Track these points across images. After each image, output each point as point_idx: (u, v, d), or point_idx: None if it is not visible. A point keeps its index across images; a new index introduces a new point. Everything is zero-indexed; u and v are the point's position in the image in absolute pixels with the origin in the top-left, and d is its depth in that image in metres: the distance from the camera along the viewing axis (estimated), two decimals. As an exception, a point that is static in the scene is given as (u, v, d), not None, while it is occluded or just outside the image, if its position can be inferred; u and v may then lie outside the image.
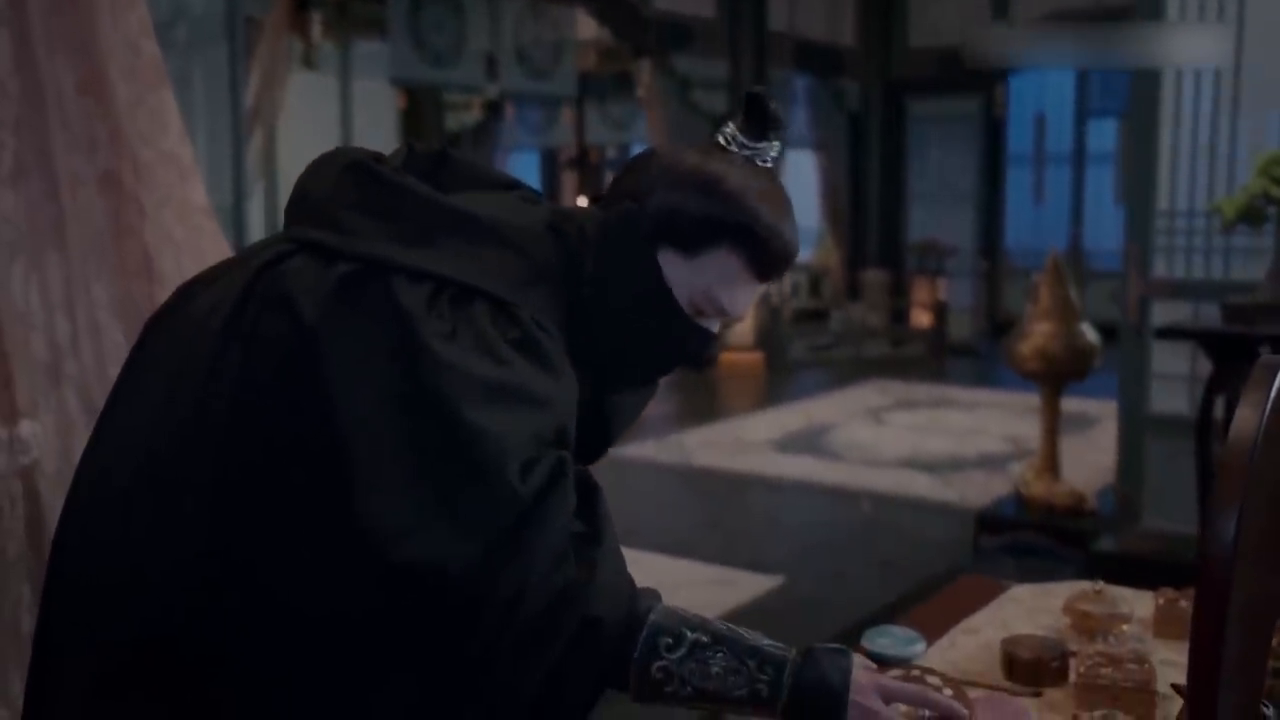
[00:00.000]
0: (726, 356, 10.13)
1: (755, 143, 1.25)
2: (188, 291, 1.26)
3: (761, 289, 1.27)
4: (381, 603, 1.08)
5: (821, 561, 4.68)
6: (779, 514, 5.61)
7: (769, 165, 1.27)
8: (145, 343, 1.26)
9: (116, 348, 2.36)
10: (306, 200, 1.22)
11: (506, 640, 1.08)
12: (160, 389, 1.19)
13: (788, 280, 12.54)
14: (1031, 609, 1.98)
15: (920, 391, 9.20)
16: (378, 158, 1.23)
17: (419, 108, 10.64)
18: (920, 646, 1.79)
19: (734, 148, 1.25)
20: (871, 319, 11.62)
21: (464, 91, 10.01)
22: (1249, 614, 1.05)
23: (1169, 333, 3.67)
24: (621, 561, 1.18)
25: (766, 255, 1.23)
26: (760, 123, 1.25)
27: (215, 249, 2.82)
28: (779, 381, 9.86)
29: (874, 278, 11.81)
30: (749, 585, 4.27)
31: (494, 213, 1.20)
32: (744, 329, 10.15)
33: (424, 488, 1.08)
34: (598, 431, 1.31)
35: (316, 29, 8.02)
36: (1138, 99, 4.17)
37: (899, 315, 11.85)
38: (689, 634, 1.14)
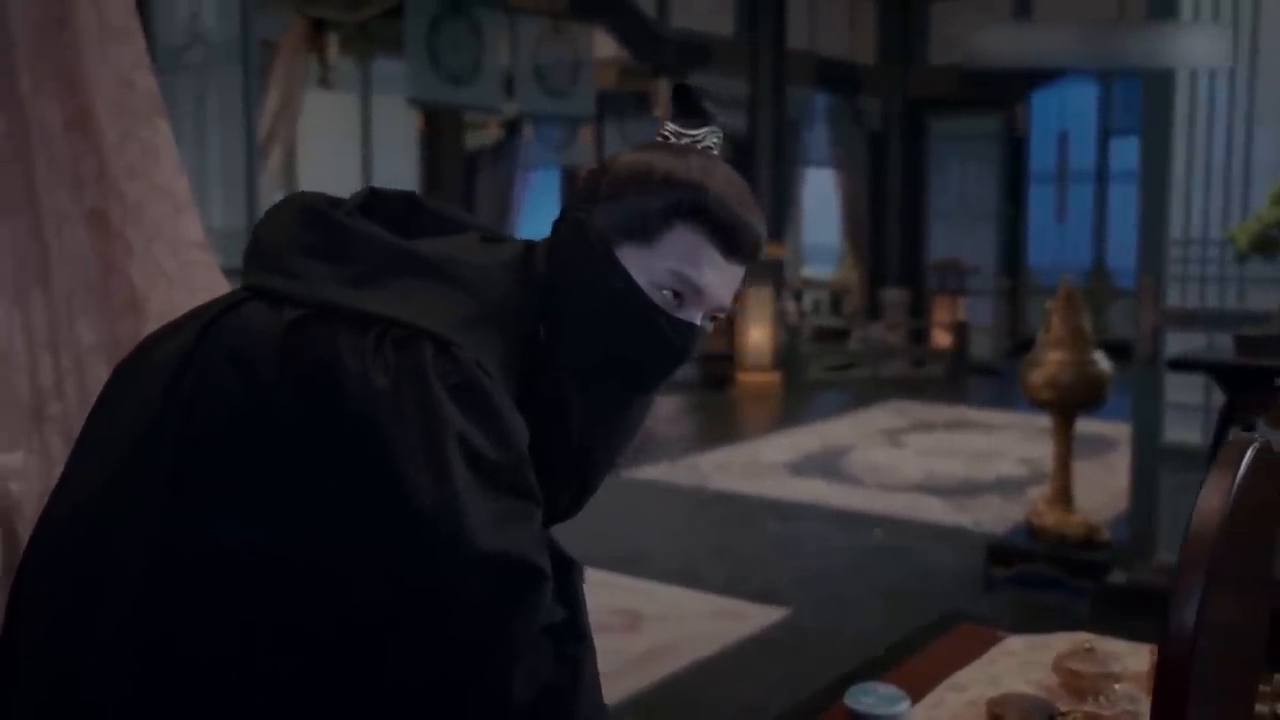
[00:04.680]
0: (744, 376, 10.09)
1: (692, 131, 1.23)
2: (150, 341, 1.24)
3: (738, 270, 1.20)
4: (331, 694, 1.06)
5: (829, 591, 4.62)
6: (790, 540, 5.56)
7: (713, 152, 1.24)
8: (107, 393, 1.24)
9: (101, 388, 2.35)
10: (260, 246, 1.20)
11: None
12: (112, 442, 1.17)
13: (807, 298, 12.51)
14: (1024, 663, 1.93)
15: (938, 413, 9.12)
16: (333, 202, 1.21)
17: (438, 126, 10.67)
18: (905, 705, 1.74)
19: (674, 139, 1.23)
20: (891, 338, 11.55)
21: (481, 111, 10.02)
22: (1219, 704, 1.01)
23: (1181, 364, 3.61)
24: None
25: (723, 225, 1.17)
26: (691, 113, 1.24)
27: (209, 283, 2.80)
28: (796, 402, 9.80)
29: (894, 296, 11.73)
30: (754, 617, 4.21)
31: (446, 252, 1.16)
32: (762, 348, 10.10)
33: (375, 568, 1.04)
34: (577, 474, 1.25)
35: (333, 49, 8.04)
36: (1151, 114, 4.10)
37: (919, 334, 11.78)
38: None
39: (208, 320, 1.16)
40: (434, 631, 1.04)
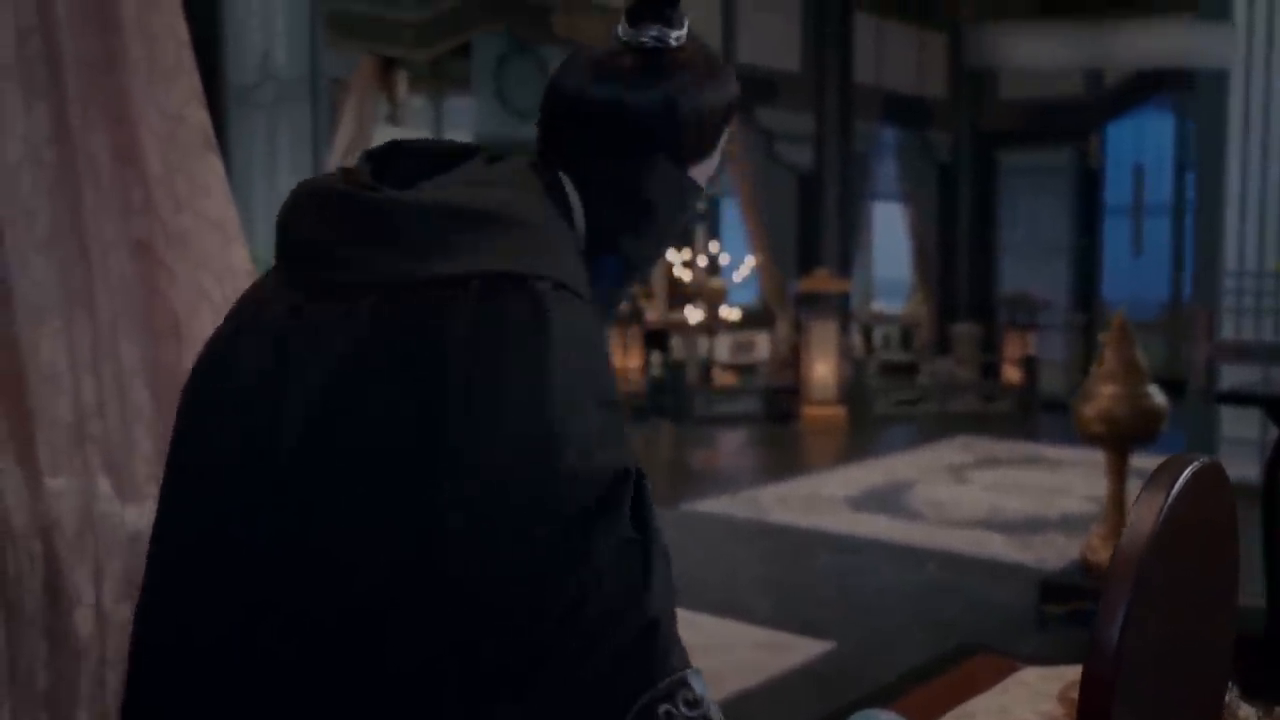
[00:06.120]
0: (809, 410, 10.04)
1: (676, 30, 1.21)
2: (212, 365, 1.22)
3: None
4: (432, 604, 1.06)
5: (877, 625, 4.59)
6: (842, 574, 5.52)
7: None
8: (188, 428, 1.23)
9: (142, 409, 2.43)
10: (297, 245, 1.19)
11: (562, 645, 1.04)
12: (208, 481, 1.18)
13: (877, 333, 12.44)
14: (1036, 693, 1.91)
15: (1006, 448, 9.00)
16: (351, 182, 1.17)
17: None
18: (904, 732, 1.73)
19: (672, 41, 1.21)
20: (961, 373, 11.43)
21: (548, 146, 10.14)
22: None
23: (1231, 397, 3.55)
24: (668, 563, 1.13)
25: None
26: (663, 9, 1.21)
27: (254, 310, 2.88)
28: (862, 436, 9.73)
29: (964, 331, 11.62)
30: (796, 649, 4.19)
31: (489, 197, 1.16)
32: (827, 382, 10.05)
33: (483, 489, 1.05)
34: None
35: (402, 87, 8.21)
36: (1205, 145, 4.06)
37: (990, 369, 11.64)
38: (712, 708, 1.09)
39: (279, 334, 1.14)
40: (529, 542, 1.04)
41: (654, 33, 1.20)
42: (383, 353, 1.08)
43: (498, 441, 1.05)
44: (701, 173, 1.26)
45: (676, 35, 1.21)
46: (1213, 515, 1.03)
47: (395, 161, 1.22)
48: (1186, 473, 0.96)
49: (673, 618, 1.10)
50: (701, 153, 1.25)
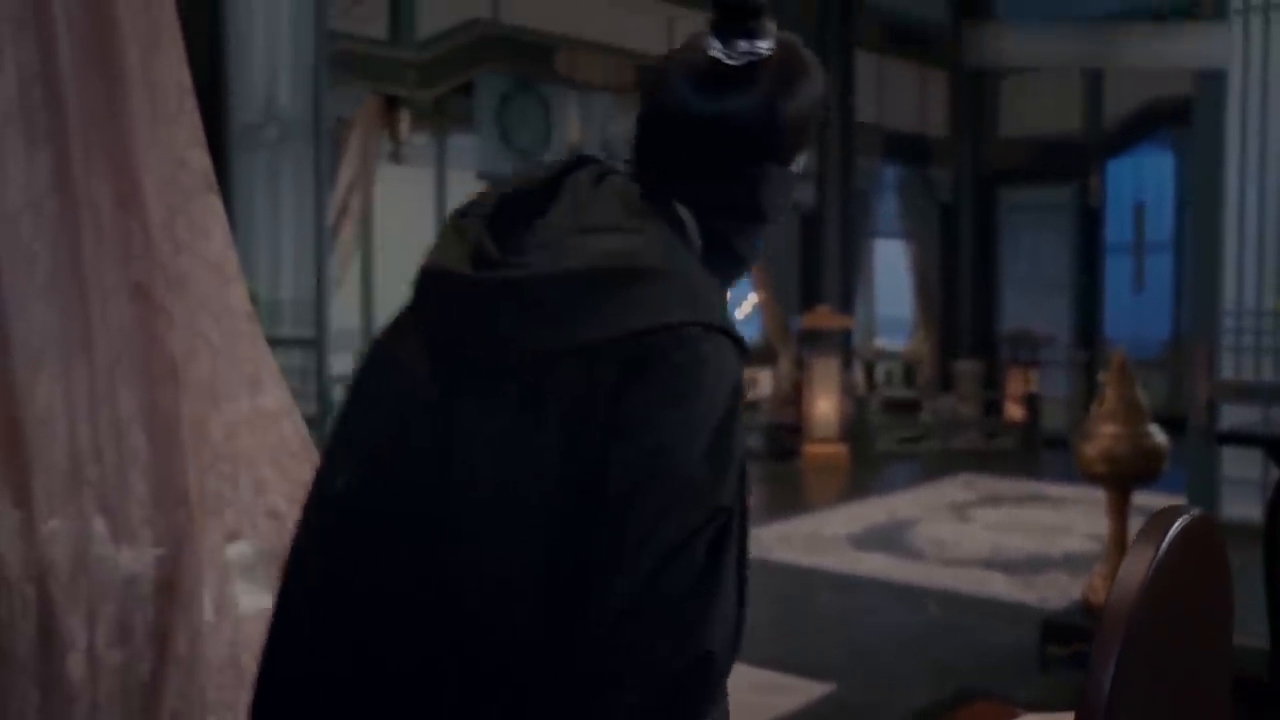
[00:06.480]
0: (811, 448, 10.01)
1: (765, 39, 1.22)
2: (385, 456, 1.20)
3: None
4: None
5: (878, 667, 4.56)
6: (843, 614, 5.50)
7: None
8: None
9: (138, 453, 2.42)
10: (441, 329, 1.18)
11: (607, 665, 1.06)
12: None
13: (880, 369, 12.44)
14: (1033, 740, 1.90)
15: (1008, 486, 8.98)
16: (477, 260, 1.15)
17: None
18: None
19: (764, 51, 1.22)
20: (963, 410, 11.41)
21: (550, 184, 10.19)
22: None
23: (1231, 438, 3.54)
24: (742, 609, 1.16)
25: None
26: (749, 24, 1.21)
27: (253, 352, 2.89)
28: (864, 474, 9.70)
29: (966, 368, 11.61)
30: (797, 692, 4.16)
31: (623, 248, 1.15)
32: (829, 419, 10.03)
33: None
34: None
35: (405, 126, 8.27)
36: (1200, 181, 4.07)
37: (992, 406, 11.62)
38: None
39: (436, 411, 1.15)
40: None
41: (745, 47, 1.21)
42: (540, 421, 1.09)
43: (626, 465, 1.06)
44: (799, 163, 1.29)
45: (767, 45, 1.21)
46: (1203, 566, 1.03)
47: (503, 211, 1.20)
48: (1175, 526, 0.96)
49: (729, 661, 1.11)
50: (802, 148, 1.27)
